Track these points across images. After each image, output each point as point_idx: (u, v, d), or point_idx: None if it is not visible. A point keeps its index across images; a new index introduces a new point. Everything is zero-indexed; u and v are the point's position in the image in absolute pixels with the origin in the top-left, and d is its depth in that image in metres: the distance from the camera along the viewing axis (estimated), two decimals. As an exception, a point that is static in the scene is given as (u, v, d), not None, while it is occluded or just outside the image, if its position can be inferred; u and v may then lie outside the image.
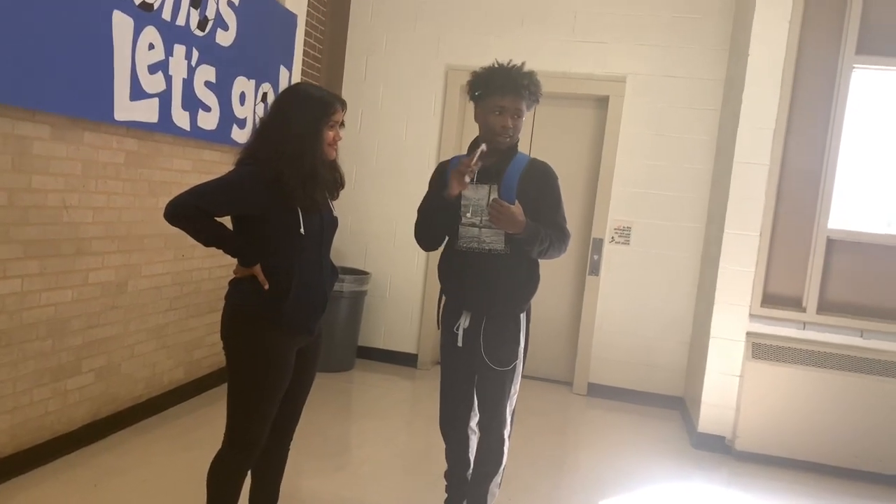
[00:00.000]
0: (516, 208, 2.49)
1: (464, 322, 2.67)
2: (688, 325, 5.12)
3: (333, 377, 5.04)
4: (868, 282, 4.20)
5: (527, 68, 2.60)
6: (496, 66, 2.59)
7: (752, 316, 4.27)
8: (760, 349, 4.23)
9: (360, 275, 5.24)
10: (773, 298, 4.29)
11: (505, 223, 2.50)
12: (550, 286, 5.45)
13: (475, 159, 2.49)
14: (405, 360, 5.50)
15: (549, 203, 2.65)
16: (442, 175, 2.70)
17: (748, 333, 4.27)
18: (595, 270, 5.25)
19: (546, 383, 5.46)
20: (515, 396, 2.74)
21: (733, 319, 4.29)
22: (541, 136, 5.42)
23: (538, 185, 2.62)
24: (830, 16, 4.15)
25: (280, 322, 2.31)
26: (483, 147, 2.52)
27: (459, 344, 2.68)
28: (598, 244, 5.23)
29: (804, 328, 4.23)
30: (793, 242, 4.26)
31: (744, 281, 4.27)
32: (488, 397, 2.70)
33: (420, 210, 2.74)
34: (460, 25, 5.33)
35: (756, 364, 4.21)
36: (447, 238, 2.72)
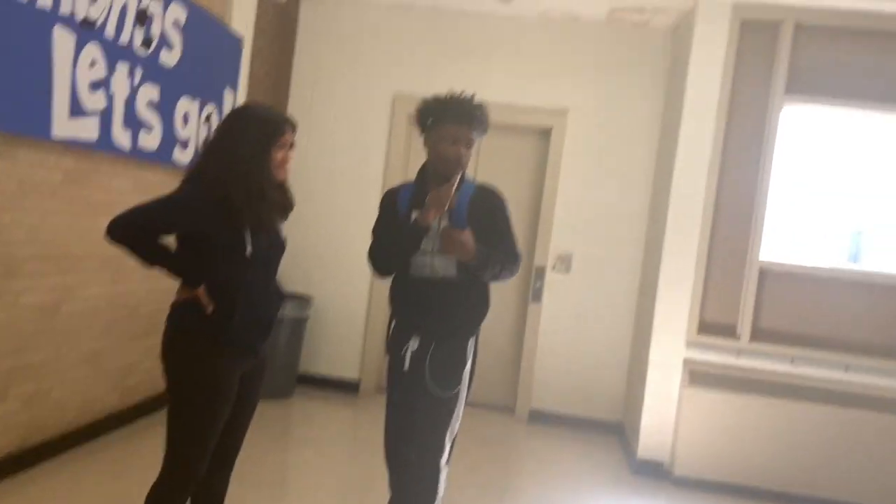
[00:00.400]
0: (467, 235, 2.51)
1: (412, 345, 2.65)
2: (626, 351, 5.22)
3: (272, 405, 4.93)
4: (797, 311, 4.37)
5: (476, 100, 2.62)
6: (448, 95, 2.62)
7: (688, 343, 4.39)
8: (697, 376, 4.34)
9: (303, 299, 5.18)
10: (708, 326, 4.42)
11: (457, 251, 2.51)
12: (494, 312, 5.41)
13: (454, 187, 2.49)
14: (347, 387, 5.44)
15: (500, 226, 2.68)
16: (394, 203, 2.71)
17: (685, 360, 4.38)
18: (537, 298, 5.31)
19: (488, 410, 5.47)
20: (458, 423, 2.71)
21: (671, 346, 4.40)
22: (486, 166, 5.48)
23: (487, 210, 2.64)
24: (761, 57, 4.36)
25: (224, 344, 2.26)
26: (457, 177, 2.52)
27: (406, 368, 2.65)
28: (541, 272, 5.30)
29: (738, 355, 4.36)
30: (727, 272, 4.41)
31: (681, 309, 4.40)
32: (428, 423, 2.67)
33: (383, 238, 2.70)
34: (408, 54, 5.39)
35: (693, 390, 4.32)
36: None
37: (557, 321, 5.30)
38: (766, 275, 4.38)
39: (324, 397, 5.32)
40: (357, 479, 3.95)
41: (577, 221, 5.26)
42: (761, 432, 4.25)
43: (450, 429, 2.66)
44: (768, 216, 4.38)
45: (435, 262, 2.61)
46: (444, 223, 2.58)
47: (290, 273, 5.44)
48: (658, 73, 5.14)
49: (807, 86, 4.32)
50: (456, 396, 2.65)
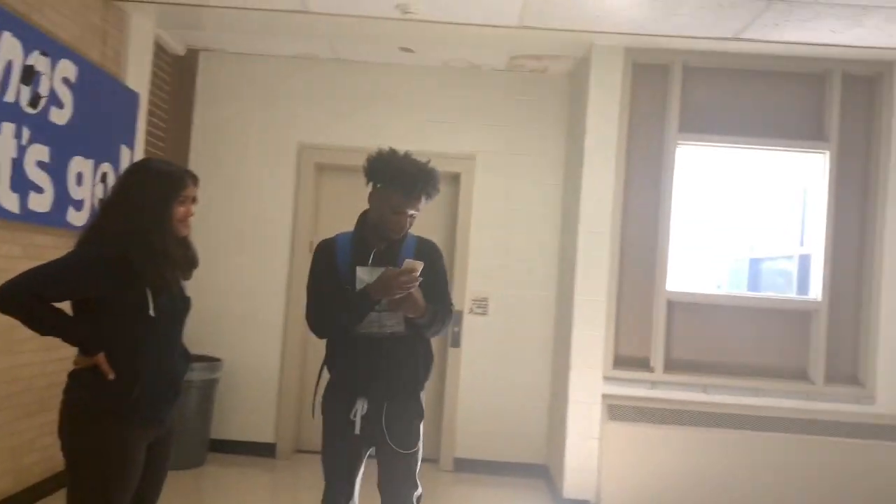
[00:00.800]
0: (417, 291, 2.46)
1: (360, 408, 2.55)
2: (547, 391, 5.23)
3: (183, 475, 4.64)
4: (706, 339, 4.52)
5: (427, 167, 2.57)
6: (400, 160, 2.55)
7: (605, 378, 4.44)
8: (616, 410, 4.39)
9: (211, 361, 4.96)
10: (623, 360, 4.49)
11: (409, 307, 2.47)
12: (412, 362, 5.42)
13: (418, 278, 2.43)
14: (263, 451, 5.20)
15: (439, 280, 2.66)
16: (332, 257, 2.61)
17: (603, 395, 4.42)
18: (456, 342, 5.28)
19: (405, 458, 5.34)
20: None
21: (588, 383, 4.45)
22: (395, 213, 5.48)
23: (429, 264, 2.57)
24: (655, 98, 4.56)
25: (127, 415, 2.12)
26: (419, 264, 2.45)
27: (357, 431, 2.55)
28: (458, 316, 5.29)
29: (653, 387, 4.45)
30: (637, 306, 4.52)
31: (595, 345, 4.46)
32: (397, 484, 2.60)
33: (322, 299, 2.57)
34: (312, 104, 5.35)
35: (613, 425, 4.36)
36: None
37: (477, 365, 5.27)
38: (675, 306, 4.51)
39: (238, 463, 5.06)
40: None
41: (491, 264, 5.29)
42: (681, 461, 4.32)
43: (418, 469, 2.66)
44: (672, 250, 4.53)
45: (383, 319, 2.53)
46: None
47: (197, 334, 5.19)
48: (559, 116, 5.30)
49: (698, 125, 4.54)
50: (417, 452, 2.66)
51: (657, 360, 4.45)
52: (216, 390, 5.00)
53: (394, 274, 2.42)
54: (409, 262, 2.44)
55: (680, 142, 4.54)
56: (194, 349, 5.07)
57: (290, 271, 5.25)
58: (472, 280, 5.30)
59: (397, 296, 2.43)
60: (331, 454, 2.64)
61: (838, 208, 4.48)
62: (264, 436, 5.24)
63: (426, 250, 2.67)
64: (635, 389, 4.44)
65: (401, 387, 2.60)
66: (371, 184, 2.60)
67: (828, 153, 4.47)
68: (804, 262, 4.72)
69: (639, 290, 4.52)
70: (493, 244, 5.30)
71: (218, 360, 5.04)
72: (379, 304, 2.50)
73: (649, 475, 4.32)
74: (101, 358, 2.10)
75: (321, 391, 2.70)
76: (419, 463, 2.67)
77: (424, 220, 5.42)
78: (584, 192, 4.54)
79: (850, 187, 4.50)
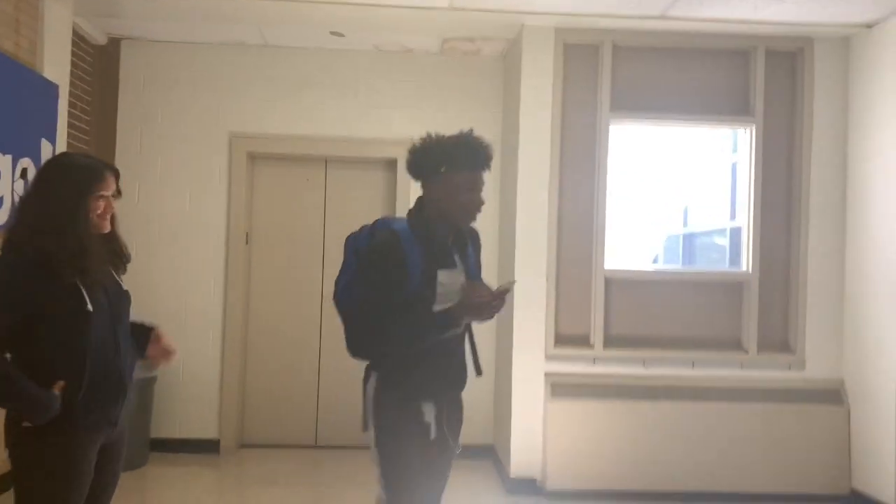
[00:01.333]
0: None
1: (429, 411, 2.39)
2: (490, 372, 5.25)
3: (125, 477, 4.49)
4: (644, 315, 4.60)
5: (479, 137, 2.43)
6: (456, 138, 2.39)
7: (547, 357, 4.49)
8: (558, 388, 4.44)
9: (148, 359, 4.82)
10: (564, 338, 4.55)
11: (485, 315, 2.31)
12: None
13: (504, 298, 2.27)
14: (206, 448, 5.10)
15: (479, 269, 2.58)
16: (399, 255, 2.27)
17: (546, 374, 4.47)
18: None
19: (358, 451, 5.31)
20: None
21: (531, 362, 4.49)
22: (334, 200, 5.42)
23: (475, 250, 2.54)
24: (587, 78, 4.60)
25: (75, 421, 2.03)
26: (513, 285, 2.37)
27: (433, 436, 2.39)
28: (399, 303, 5.26)
29: (594, 363, 4.52)
30: (576, 284, 4.57)
31: (537, 324, 4.50)
32: (443, 484, 2.57)
33: (387, 316, 2.25)
34: (242, 92, 5.22)
35: (556, 403, 4.41)
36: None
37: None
38: (612, 284, 4.58)
39: (182, 462, 4.95)
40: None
41: (430, 249, 5.27)
42: (623, 435, 4.40)
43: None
44: (608, 228, 4.59)
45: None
46: (462, 276, 2.37)
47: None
48: (494, 98, 5.30)
49: (629, 103, 4.60)
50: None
51: (597, 336, 4.52)
52: (154, 389, 4.88)
53: (489, 297, 2.26)
54: (505, 284, 2.34)
55: (612, 120, 4.59)
56: (129, 348, 4.97)
57: (227, 264, 5.15)
58: (412, 265, 5.26)
59: (485, 318, 2.29)
60: (410, 472, 2.36)
61: (765, 181, 4.61)
62: (207, 432, 5.14)
63: (476, 237, 2.57)
64: (577, 367, 4.50)
65: (459, 384, 2.53)
66: (427, 176, 2.41)
67: (753, 127, 4.59)
68: (736, 235, 4.85)
69: (577, 269, 4.57)
70: (433, 229, 5.28)
71: (155, 357, 4.90)
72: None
73: (593, 451, 4.39)
74: (59, 386, 2.01)
75: (372, 399, 2.39)
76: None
77: (362, 207, 5.41)
78: (520, 174, 4.56)
79: (775, 160, 4.63)
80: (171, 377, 5.08)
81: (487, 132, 5.18)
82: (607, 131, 4.58)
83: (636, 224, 4.82)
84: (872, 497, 4.26)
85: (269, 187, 5.39)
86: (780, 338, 4.64)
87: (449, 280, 2.31)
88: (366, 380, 2.42)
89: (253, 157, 5.32)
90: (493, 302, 2.24)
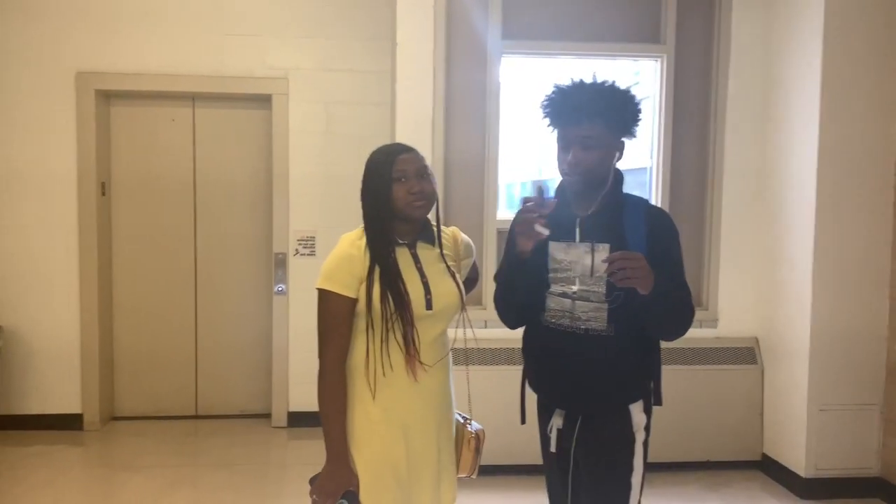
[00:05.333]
0: (636, 256, 1.79)
1: (556, 422, 2.06)
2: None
3: (-36, 462, 4.06)
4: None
5: (598, 83, 1.95)
6: (561, 85, 1.98)
7: (432, 321, 4.02)
8: (454, 353, 3.98)
9: (-14, 330, 4.27)
10: (452, 299, 4.07)
11: (634, 278, 1.76)
12: (234, 312, 4.89)
13: (548, 206, 1.84)
14: (68, 423, 4.60)
15: (673, 265, 1.97)
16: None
17: (432, 340, 4.01)
18: (281, 291, 4.75)
19: (241, 420, 4.89)
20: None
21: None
22: (205, 143, 4.80)
23: (656, 242, 1.95)
24: (474, 1, 3.98)
25: None
26: (541, 185, 1.87)
27: (553, 449, 2.09)
28: (282, 259, 4.73)
29: (486, 326, 4.06)
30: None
31: (421, 285, 4.01)
32: None
33: (499, 275, 2.13)
34: (88, 25, 4.50)
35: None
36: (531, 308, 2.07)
37: (307, 310, 4.73)
38: (504, 236, 4.07)
39: (40, 439, 4.45)
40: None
41: (314, 198, 4.72)
42: (509, 401, 3.98)
43: None
44: (501, 176, 4.08)
45: (577, 309, 1.97)
46: (601, 255, 1.91)
47: (-29, 299, 4.50)
48: (380, 25, 4.63)
49: (523, 30, 4.01)
50: (624, 484, 1.99)
51: (489, 296, 4.05)
52: (-2, 362, 4.35)
53: (525, 207, 1.85)
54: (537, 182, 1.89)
55: (505, 51, 4.01)
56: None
57: (81, 220, 4.54)
58: (295, 217, 4.72)
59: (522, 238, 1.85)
60: (546, 477, 2.21)
61: (676, 119, 4.10)
62: (69, 406, 4.63)
63: (656, 223, 1.99)
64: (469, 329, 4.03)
65: (596, 399, 2.00)
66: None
67: (665, 57, 4.04)
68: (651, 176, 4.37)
69: (467, 220, 4.06)
70: (318, 174, 4.71)
71: (-5, 328, 4.36)
72: (573, 290, 1.96)
73: (486, 418, 3.97)
74: None
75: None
76: (633, 498, 2.01)
77: (234, 151, 4.81)
78: (399, 113, 3.99)
79: (688, 95, 4.12)
80: (21, 347, 4.54)
81: (374, 64, 4.66)
82: (499, 63, 4.00)
83: (536, 168, 4.31)
84: (783, 463, 3.93)
85: (128, 130, 4.75)
86: (692, 292, 4.20)
87: (564, 256, 1.98)
88: (524, 371, 2.23)
89: (107, 96, 4.65)
90: (526, 215, 1.84)
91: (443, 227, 2.09)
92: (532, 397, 2.19)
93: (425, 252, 2.00)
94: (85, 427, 4.62)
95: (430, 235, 2.02)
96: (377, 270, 1.90)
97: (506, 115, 4.06)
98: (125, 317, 4.82)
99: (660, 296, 1.81)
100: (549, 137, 2.07)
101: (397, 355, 1.91)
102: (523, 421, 2.21)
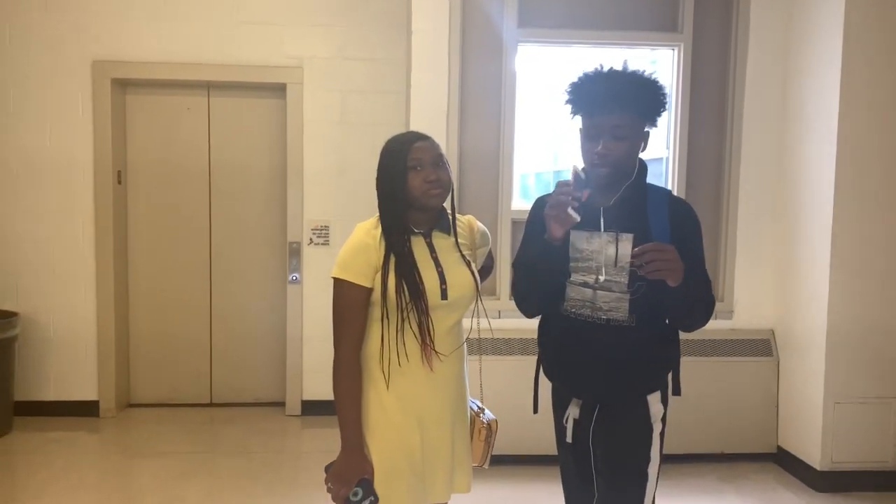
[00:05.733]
0: (672, 251, 1.78)
1: (573, 412, 2.04)
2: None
3: (-16, 447, 4.11)
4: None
5: (623, 70, 1.93)
6: (586, 72, 1.96)
7: (447, 311, 4.02)
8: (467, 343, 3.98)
9: (3, 318, 4.29)
10: (466, 289, 4.06)
11: (664, 269, 1.76)
12: (248, 301, 4.91)
13: (584, 191, 1.81)
14: (84, 410, 4.64)
15: (697, 254, 1.97)
16: (541, 207, 1.99)
17: (446, 329, 4.01)
18: (296, 278, 4.76)
19: (256, 408, 4.91)
20: (654, 489, 2.04)
21: (430, 317, 4.01)
22: (220, 132, 4.81)
23: (683, 231, 1.95)
24: (489, -11, 3.96)
25: None
26: (577, 167, 1.84)
27: (569, 440, 2.07)
28: (296, 248, 4.74)
29: (500, 316, 4.05)
30: (480, 228, 4.06)
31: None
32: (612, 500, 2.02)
33: (518, 262, 2.10)
34: (104, 13, 4.51)
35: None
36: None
37: (322, 300, 4.77)
38: (520, 227, 4.06)
39: (56, 426, 4.49)
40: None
41: (329, 188, 4.73)
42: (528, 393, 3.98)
43: (645, 499, 2.00)
44: (516, 166, 4.05)
45: (598, 299, 1.94)
46: (626, 245, 1.90)
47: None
48: (397, 12, 4.61)
49: (539, 18, 3.97)
50: (641, 477, 1.99)
51: (503, 287, 4.05)
52: (14, 348, 4.38)
53: (553, 193, 1.82)
54: (575, 166, 1.85)
55: (521, 39, 3.98)
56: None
57: (97, 208, 4.56)
58: (309, 207, 4.73)
59: (556, 218, 1.80)
60: (561, 468, 2.20)
61: (693, 107, 4.06)
62: (85, 393, 4.67)
63: (680, 214, 1.98)
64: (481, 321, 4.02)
65: (615, 390, 1.99)
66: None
67: (682, 45, 4.00)
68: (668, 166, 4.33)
69: (481, 210, 4.05)
70: (331, 164, 4.71)
71: (13, 314, 4.39)
72: (595, 279, 1.93)
73: (499, 409, 3.96)
74: None
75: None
76: (649, 493, 2.00)
77: (249, 140, 4.82)
78: (414, 103, 3.98)
79: (705, 86, 4.07)
80: (39, 334, 4.59)
81: (390, 52, 4.65)
82: (515, 52, 3.97)
83: (552, 159, 4.29)
84: (798, 456, 3.91)
85: (144, 119, 4.76)
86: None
87: (586, 245, 1.95)
88: (538, 361, 2.22)
89: (123, 85, 4.66)
90: (560, 197, 1.80)
91: (458, 216, 2.07)
92: (546, 388, 2.19)
93: (441, 241, 1.99)
94: (101, 414, 4.66)
95: (445, 224, 2.00)
96: (392, 260, 1.89)
97: (521, 105, 4.03)
98: (141, 305, 4.85)
99: (685, 287, 1.80)
100: (569, 126, 2.04)
101: (412, 345, 1.90)
102: (535, 410, 2.21)
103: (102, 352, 4.64)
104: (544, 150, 4.25)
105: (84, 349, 4.64)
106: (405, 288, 1.87)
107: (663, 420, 2.04)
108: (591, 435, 2.02)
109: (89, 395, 4.67)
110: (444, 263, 1.95)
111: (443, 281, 1.92)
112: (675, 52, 4.02)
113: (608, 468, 2.00)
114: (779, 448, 4.09)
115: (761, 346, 4.14)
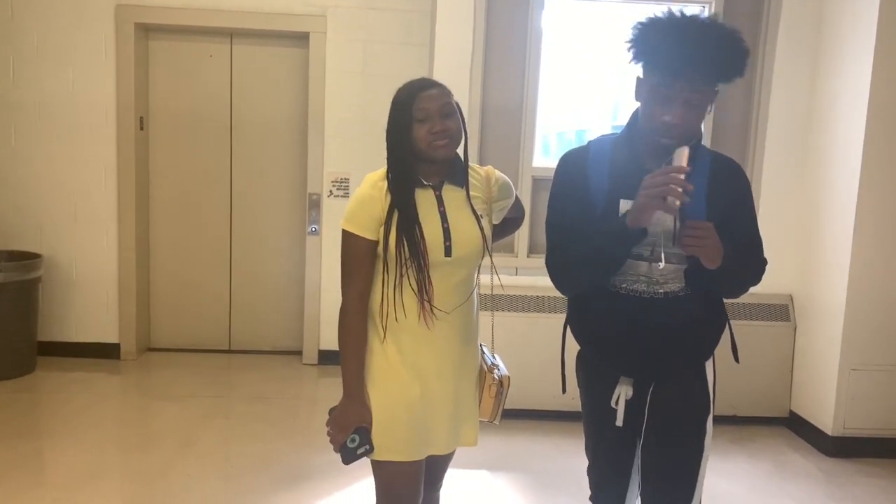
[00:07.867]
0: (712, 230, 1.70)
1: (624, 391, 1.91)
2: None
3: (8, 385, 4.21)
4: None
5: (706, 18, 1.76)
6: (664, 17, 1.73)
7: (466, 266, 4.03)
8: (482, 300, 3.99)
9: (27, 259, 4.37)
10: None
11: (703, 251, 1.69)
12: (267, 250, 4.94)
13: (684, 169, 1.64)
14: (106, 352, 4.73)
15: (745, 216, 1.87)
16: (583, 179, 1.84)
17: (463, 285, 4.02)
18: (315, 229, 4.79)
19: (273, 356, 4.99)
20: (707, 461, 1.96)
21: (447, 271, 4.03)
22: (242, 80, 4.80)
23: (729, 193, 1.84)
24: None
25: None
26: (684, 151, 1.67)
27: (620, 423, 1.91)
28: (316, 200, 4.75)
29: (517, 273, 4.06)
30: (501, 185, 4.04)
31: (454, 230, 4.00)
32: (661, 496, 1.93)
33: (570, 237, 1.84)
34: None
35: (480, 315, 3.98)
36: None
37: (339, 252, 4.79)
38: (540, 184, 4.04)
39: (77, 367, 4.60)
40: (146, 463, 3.32)
41: (350, 139, 4.71)
42: (546, 351, 4.00)
43: (698, 481, 1.93)
44: (539, 123, 4.01)
45: (654, 271, 1.81)
46: (669, 218, 1.76)
47: (15, 229, 4.60)
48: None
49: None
50: (701, 448, 1.92)
51: (521, 243, 4.04)
52: (38, 289, 4.45)
53: (651, 178, 1.66)
54: (678, 152, 1.67)
55: (548, -7, 3.91)
56: (13, 246, 4.52)
57: (119, 154, 4.59)
58: (329, 158, 4.72)
59: (656, 202, 1.64)
60: (592, 456, 2.04)
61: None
62: (107, 336, 4.76)
63: (724, 172, 1.85)
64: (500, 276, 4.03)
65: (676, 363, 1.90)
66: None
67: (713, 2, 3.91)
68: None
69: (502, 166, 4.00)
70: (352, 115, 4.68)
71: (36, 256, 4.46)
72: (651, 251, 1.78)
73: (522, 366, 4.00)
74: None
75: (572, 361, 2.06)
76: (700, 472, 1.93)
77: (270, 89, 4.79)
78: (437, 57, 3.93)
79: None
80: (62, 276, 4.66)
81: (415, 3, 4.57)
82: (542, 6, 3.90)
83: (573, 119, 4.24)
84: (810, 421, 3.92)
85: (166, 65, 4.75)
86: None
87: None
88: (563, 336, 2.07)
89: (146, 30, 4.64)
90: (658, 179, 1.64)
91: (476, 167, 2.01)
92: (570, 367, 2.10)
93: (451, 194, 1.91)
94: (122, 356, 4.76)
95: (459, 177, 1.93)
96: (395, 214, 1.85)
97: (547, 61, 3.97)
98: (162, 251, 4.91)
99: (729, 262, 1.72)
100: (627, 77, 1.80)
101: (411, 301, 1.87)
102: (564, 390, 2.13)
103: (124, 296, 4.71)
104: (567, 109, 4.19)
105: (105, 293, 4.71)
106: (405, 243, 1.83)
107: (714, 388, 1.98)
108: (646, 413, 1.90)
109: (110, 337, 4.76)
110: (451, 218, 1.88)
111: (447, 237, 1.86)
112: (706, 9, 3.92)
113: (666, 442, 1.89)
114: (791, 412, 4.11)
115: (779, 311, 4.13)
